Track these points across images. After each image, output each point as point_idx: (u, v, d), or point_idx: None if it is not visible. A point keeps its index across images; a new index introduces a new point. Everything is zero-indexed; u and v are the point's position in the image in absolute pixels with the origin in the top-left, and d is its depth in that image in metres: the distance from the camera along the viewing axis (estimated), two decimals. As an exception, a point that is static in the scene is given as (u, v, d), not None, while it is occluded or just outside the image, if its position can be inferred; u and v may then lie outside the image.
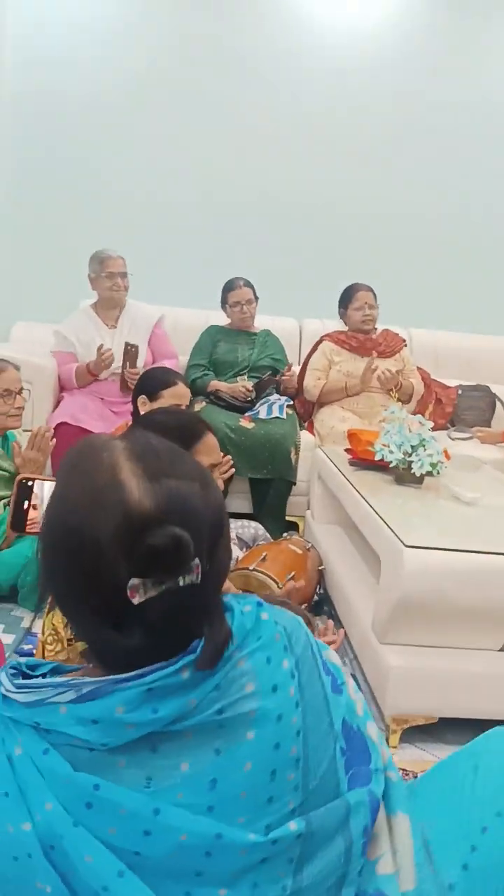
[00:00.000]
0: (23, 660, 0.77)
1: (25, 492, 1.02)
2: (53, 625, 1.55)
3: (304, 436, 3.47)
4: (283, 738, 0.71)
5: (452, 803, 0.85)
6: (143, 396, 2.30)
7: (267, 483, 3.26)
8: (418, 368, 3.78)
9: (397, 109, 4.24)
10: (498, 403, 3.93)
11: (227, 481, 2.30)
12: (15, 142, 3.93)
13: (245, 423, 3.30)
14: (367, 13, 4.13)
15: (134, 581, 0.65)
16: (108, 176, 4.12)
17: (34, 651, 1.98)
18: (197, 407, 3.42)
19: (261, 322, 3.79)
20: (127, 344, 3.30)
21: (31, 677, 0.74)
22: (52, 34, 3.95)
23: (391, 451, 2.40)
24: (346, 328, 3.76)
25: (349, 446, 2.78)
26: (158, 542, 0.65)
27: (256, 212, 4.21)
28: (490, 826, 0.79)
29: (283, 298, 4.00)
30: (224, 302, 3.69)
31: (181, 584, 0.66)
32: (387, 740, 1.85)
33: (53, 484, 0.93)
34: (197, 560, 0.67)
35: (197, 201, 4.19)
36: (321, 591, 2.62)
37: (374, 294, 3.69)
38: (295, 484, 3.31)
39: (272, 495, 3.27)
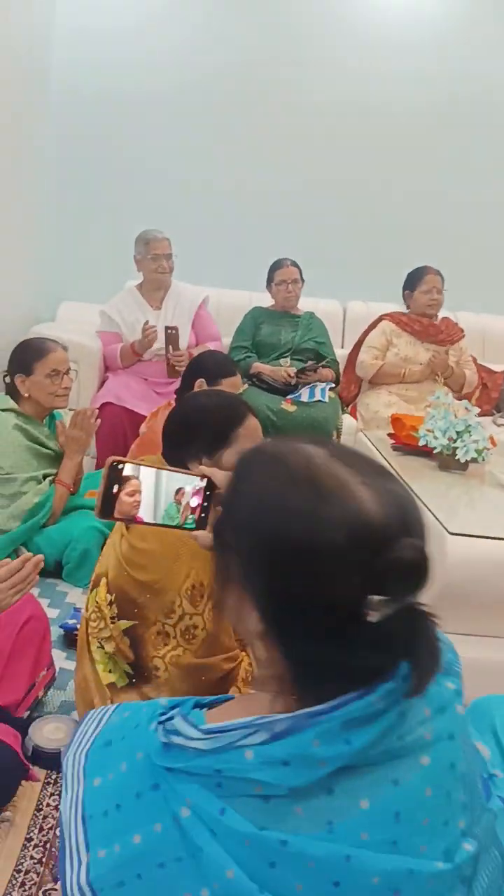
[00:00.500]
0: (163, 702, 0.71)
1: (115, 475, 0.92)
2: (97, 602, 1.58)
3: (346, 420, 3.45)
4: (455, 757, 0.68)
5: None
6: (202, 380, 2.29)
7: (308, 466, 3.25)
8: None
9: (453, 90, 4.13)
10: (546, 389, 3.84)
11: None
12: (63, 126, 3.95)
13: (287, 406, 3.30)
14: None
15: (375, 598, 0.59)
16: (154, 157, 4.11)
17: (78, 626, 2.03)
18: (239, 389, 3.42)
19: (304, 305, 3.77)
20: (167, 328, 3.31)
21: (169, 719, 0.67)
22: (100, 16, 3.94)
23: (435, 437, 2.37)
24: (404, 310, 3.68)
25: (392, 431, 2.76)
26: (406, 556, 0.59)
27: (302, 193, 4.17)
28: None
29: (327, 280, 3.96)
30: (270, 280, 3.68)
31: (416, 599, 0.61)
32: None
33: (152, 470, 0.93)
34: None
35: (242, 183, 4.16)
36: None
37: (443, 279, 3.59)
38: (336, 468, 3.29)
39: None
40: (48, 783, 1.58)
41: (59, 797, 0.78)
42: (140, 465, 0.94)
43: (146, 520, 0.95)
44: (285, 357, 3.59)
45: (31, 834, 1.45)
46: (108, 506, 0.93)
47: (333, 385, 3.59)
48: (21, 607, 1.70)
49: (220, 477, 0.95)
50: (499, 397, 3.81)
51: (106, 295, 3.67)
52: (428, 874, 0.61)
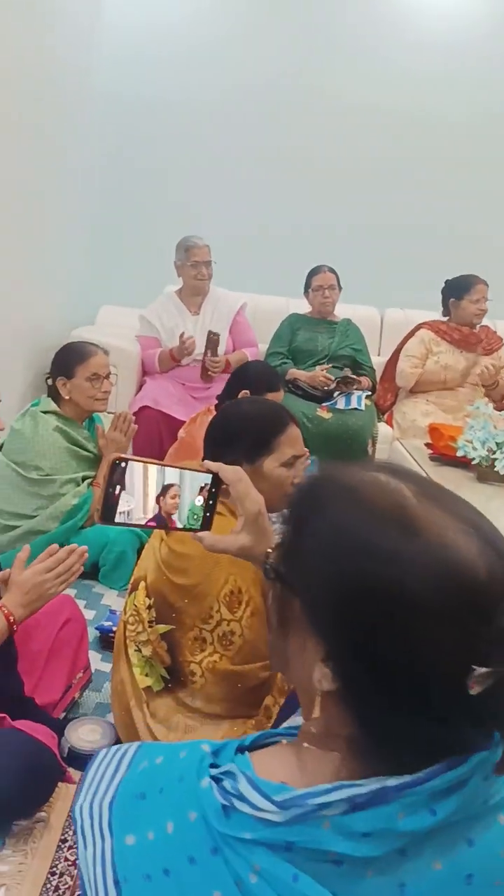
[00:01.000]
0: (205, 748, 0.64)
1: (118, 475, 0.83)
2: (135, 606, 1.59)
3: (382, 428, 3.43)
4: None
5: None
6: (247, 392, 2.29)
7: (343, 474, 3.23)
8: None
9: (497, 94, 4.09)
10: None
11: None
12: (104, 131, 3.99)
13: (323, 413, 3.29)
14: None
15: (480, 671, 0.52)
16: (194, 162, 4.13)
17: (114, 629, 2.05)
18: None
19: (342, 311, 3.76)
20: (210, 332, 3.34)
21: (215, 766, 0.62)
22: (144, 25, 3.99)
23: (474, 448, 2.34)
24: (442, 318, 3.65)
25: (429, 440, 2.73)
26: None
27: (342, 199, 4.15)
28: None
29: (365, 287, 3.94)
30: (307, 286, 3.67)
31: None
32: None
33: (155, 468, 0.85)
34: None
35: (281, 190, 4.16)
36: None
37: (488, 287, 3.53)
38: (371, 476, 3.27)
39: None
40: (83, 785, 1.58)
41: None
42: (145, 462, 0.85)
43: (156, 523, 0.88)
44: (322, 363, 3.58)
45: (66, 835, 1.46)
46: (109, 509, 0.84)
47: (370, 393, 3.57)
48: (60, 609, 1.72)
49: (229, 473, 0.92)
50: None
51: (145, 299, 3.69)
52: None
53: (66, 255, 3.58)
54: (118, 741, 1.64)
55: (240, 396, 2.27)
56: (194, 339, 3.31)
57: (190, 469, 0.89)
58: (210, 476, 0.90)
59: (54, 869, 1.38)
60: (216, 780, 0.59)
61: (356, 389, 3.45)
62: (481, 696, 0.52)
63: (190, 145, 4.13)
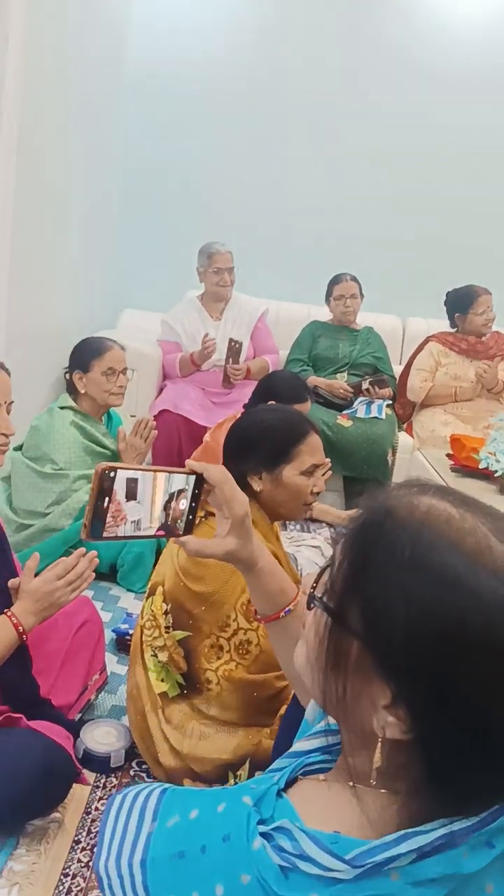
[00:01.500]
0: (247, 800, 0.60)
1: (107, 486, 0.77)
2: (153, 611, 1.60)
3: (403, 437, 3.42)
4: None
5: None
6: (273, 403, 2.28)
7: (361, 483, 3.23)
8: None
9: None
10: None
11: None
12: (131, 134, 4.02)
13: (343, 421, 3.28)
14: None
15: None
16: (218, 168, 4.15)
17: (130, 632, 2.05)
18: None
19: (364, 319, 3.75)
20: (231, 340, 3.35)
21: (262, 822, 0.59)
22: (174, 19, 4.01)
23: (497, 460, 2.33)
24: (451, 329, 3.65)
25: (450, 451, 2.72)
26: None
27: (365, 207, 4.15)
28: None
29: (387, 296, 3.94)
30: (329, 295, 3.67)
31: None
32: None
33: (145, 474, 0.79)
34: None
35: (305, 195, 4.17)
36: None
37: (491, 296, 3.55)
38: (390, 486, 3.26)
39: (365, 496, 3.22)
40: (97, 787, 1.59)
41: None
42: (134, 469, 0.79)
43: (141, 532, 0.82)
44: (342, 371, 3.58)
45: (80, 836, 1.47)
46: (96, 524, 0.77)
47: (391, 402, 3.56)
48: (77, 610, 1.73)
49: (215, 474, 0.86)
50: None
51: (167, 304, 3.72)
52: None
53: (90, 259, 3.61)
54: (133, 745, 1.65)
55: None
56: (215, 341, 3.33)
57: (172, 472, 0.83)
58: (192, 478, 0.85)
59: (67, 870, 1.39)
60: (266, 836, 0.56)
61: (377, 397, 3.45)
62: None
63: (215, 151, 4.15)
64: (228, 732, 1.51)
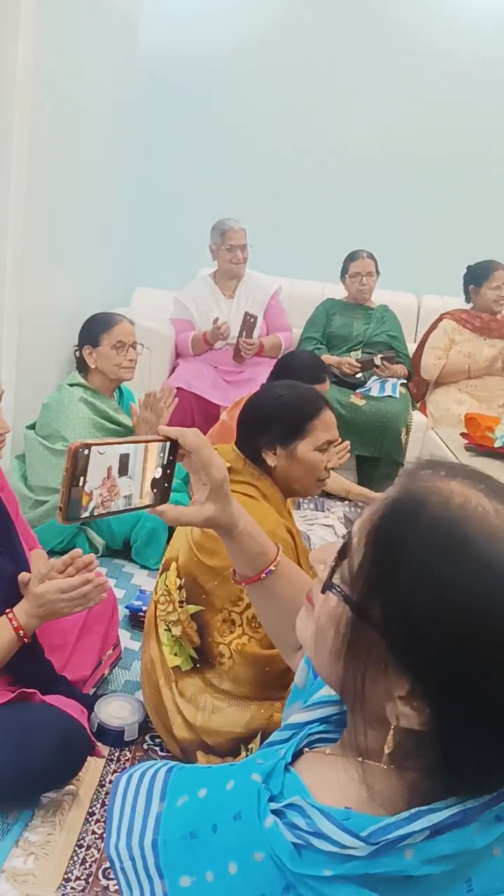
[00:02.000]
0: (256, 778, 0.60)
1: (82, 465, 0.72)
2: (166, 586, 1.60)
3: (416, 416, 3.39)
4: None
5: None
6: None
7: (375, 462, 3.21)
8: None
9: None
10: None
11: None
12: (143, 113, 3.98)
13: (356, 400, 3.26)
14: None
15: None
16: (231, 144, 4.10)
17: (143, 608, 2.06)
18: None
19: (379, 297, 3.71)
20: (247, 314, 3.32)
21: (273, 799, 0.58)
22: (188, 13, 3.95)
23: (512, 439, 2.30)
24: (468, 306, 3.60)
25: (465, 430, 2.69)
26: None
27: (378, 185, 4.09)
28: None
29: (402, 273, 3.89)
30: (344, 272, 3.63)
31: None
32: None
33: (123, 447, 0.75)
34: None
35: (318, 173, 4.11)
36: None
37: None
38: (403, 465, 3.24)
39: (379, 475, 3.22)
40: (111, 760, 1.61)
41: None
42: (107, 444, 0.75)
43: (118, 508, 0.77)
44: (356, 350, 3.55)
45: (94, 808, 1.48)
46: (74, 505, 0.72)
47: (405, 381, 3.53)
48: (92, 586, 1.74)
49: (192, 439, 0.82)
50: None
51: (179, 282, 3.69)
52: None
53: (102, 238, 3.59)
54: (146, 719, 1.66)
55: None
56: (228, 325, 3.31)
57: (147, 441, 0.79)
58: (167, 445, 0.81)
59: (81, 842, 1.40)
60: (278, 813, 0.56)
61: (390, 375, 3.42)
62: None
63: (226, 128, 4.10)
64: (241, 706, 1.51)
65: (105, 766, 1.58)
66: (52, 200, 2.76)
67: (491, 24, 3.94)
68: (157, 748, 1.65)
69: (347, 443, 2.02)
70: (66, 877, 1.33)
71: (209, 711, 1.51)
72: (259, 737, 1.48)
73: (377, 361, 3.41)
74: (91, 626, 1.71)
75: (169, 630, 1.58)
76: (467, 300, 3.59)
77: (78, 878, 1.33)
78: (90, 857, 1.37)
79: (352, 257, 3.60)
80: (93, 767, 1.56)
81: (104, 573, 2.25)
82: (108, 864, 1.36)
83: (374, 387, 3.40)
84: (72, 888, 1.31)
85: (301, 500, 2.92)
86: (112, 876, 1.34)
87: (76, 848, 1.39)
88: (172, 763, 0.67)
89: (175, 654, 1.57)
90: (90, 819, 1.45)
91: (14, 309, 2.50)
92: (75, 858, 1.37)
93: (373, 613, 0.55)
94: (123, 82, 3.66)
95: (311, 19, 3.96)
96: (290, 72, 4.02)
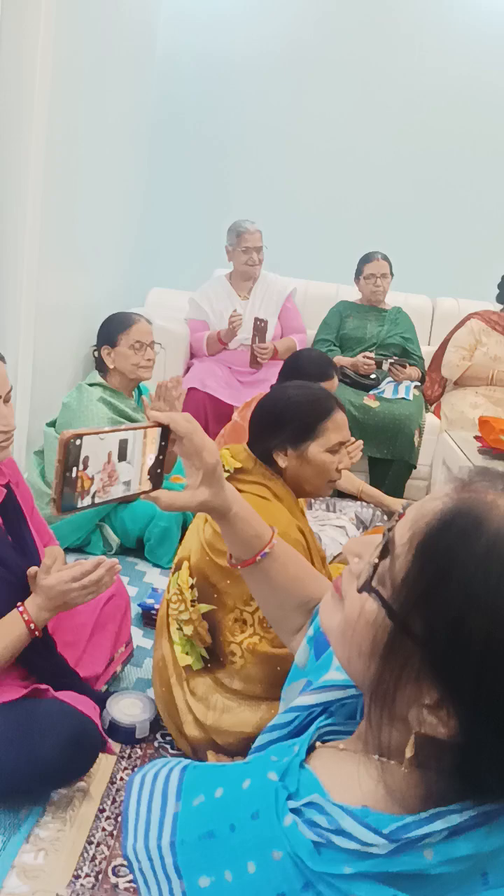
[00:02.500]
0: (272, 776, 0.60)
1: (74, 455, 0.72)
2: (178, 585, 1.61)
3: (430, 418, 3.38)
4: None
5: None
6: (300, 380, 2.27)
7: (387, 463, 3.20)
8: None
9: None
10: None
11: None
12: (160, 113, 4.00)
13: (369, 402, 3.25)
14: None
15: None
16: (247, 146, 4.12)
17: (155, 606, 2.07)
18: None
19: (393, 299, 3.70)
20: (256, 319, 3.33)
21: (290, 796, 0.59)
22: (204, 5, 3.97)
23: (526, 442, 2.29)
24: (498, 307, 3.56)
25: (478, 433, 2.68)
26: None
27: (392, 186, 4.09)
28: None
29: (417, 275, 3.88)
30: (359, 273, 3.62)
31: None
32: None
33: (116, 436, 0.76)
34: None
35: (333, 174, 4.11)
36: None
37: None
38: (416, 467, 3.23)
39: (391, 477, 3.21)
40: (122, 757, 1.62)
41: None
42: (98, 433, 0.74)
43: (116, 495, 0.78)
44: (370, 351, 3.54)
45: (104, 805, 1.49)
46: (69, 495, 0.72)
47: (418, 383, 3.51)
48: (105, 583, 1.75)
49: (183, 424, 0.82)
50: None
51: (194, 282, 3.70)
52: None
53: (118, 237, 3.61)
54: (157, 717, 1.67)
55: None
56: (241, 316, 3.31)
57: (139, 428, 0.80)
58: (158, 430, 0.81)
59: (91, 838, 1.41)
60: (296, 811, 0.56)
61: (404, 378, 3.41)
62: None
63: (243, 128, 4.11)
64: (251, 706, 1.52)
65: (116, 763, 1.59)
66: (68, 200, 2.78)
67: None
68: (168, 746, 1.66)
69: (360, 442, 2.02)
70: (75, 873, 1.34)
71: (220, 711, 1.52)
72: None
73: (385, 367, 3.39)
74: (104, 624, 1.72)
75: (180, 629, 1.59)
76: (500, 300, 3.55)
77: (88, 875, 1.34)
78: (100, 854, 1.38)
79: (367, 258, 3.59)
80: (104, 764, 1.57)
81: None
82: (117, 861, 1.37)
83: (387, 388, 3.39)
84: (81, 885, 1.32)
85: (312, 500, 2.92)
86: (122, 873, 1.35)
87: (86, 844, 1.40)
88: (186, 762, 0.67)
89: (186, 654, 1.58)
90: (100, 816, 1.46)
91: (31, 307, 2.52)
92: (85, 855, 1.38)
93: (415, 626, 0.54)
94: (140, 82, 3.67)
95: (330, 23, 3.97)
96: (306, 74, 4.03)
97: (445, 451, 2.90)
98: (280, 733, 0.78)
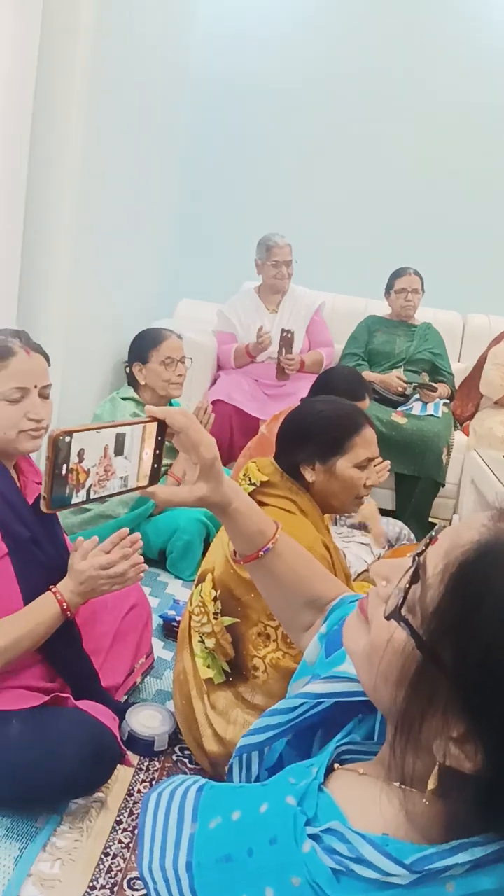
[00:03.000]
0: (291, 801, 0.59)
1: (64, 453, 0.71)
2: (202, 597, 1.60)
3: (458, 436, 3.34)
4: None
5: None
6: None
7: (414, 481, 3.17)
8: None
9: None
10: None
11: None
12: (192, 124, 4.03)
13: (397, 418, 3.23)
14: None
15: None
16: (276, 160, 4.13)
17: (177, 618, 2.07)
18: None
19: (422, 315, 3.68)
20: (283, 330, 3.33)
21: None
22: (239, 20, 4.01)
23: None
24: None
25: (508, 452, 2.65)
26: None
27: (423, 201, 4.07)
28: None
29: (448, 291, 3.85)
30: (389, 288, 3.60)
31: None
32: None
33: (109, 432, 0.75)
34: None
35: (363, 190, 4.11)
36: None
37: None
38: (444, 486, 3.20)
39: (418, 494, 3.18)
40: (140, 769, 1.61)
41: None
42: (89, 430, 0.74)
43: (112, 490, 0.77)
44: (398, 367, 3.52)
45: (122, 817, 1.48)
46: (60, 492, 0.72)
47: (447, 401, 3.48)
48: (128, 593, 1.75)
49: (180, 419, 0.82)
50: None
51: (223, 295, 3.72)
52: None
53: (148, 249, 3.64)
54: (176, 730, 1.65)
55: None
56: (269, 335, 3.32)
57: (133, 423, 0.79)
58: (154, 426, 0.81)
59: (108, 849, 1.40)
60: (315, 837, 0.55)
61: (434, 399, 3.38)
62: None
63: (275, 142, 4.13)
64: (273, 723, 1.50)
65: (134, 776, 1.58)
66: (101, 213, 2.82)
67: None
68: (186, 760, 1.64)
69: (387, 462, 2.00)
70: (91, 884, 1.33)
71: (240, 726, 1.50)
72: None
73: (409, 392, 3.35)
74: (125, 634, 1.72)
75: (202, 642, 1.58)
76: None
77: (104, 887, 1.33)
78: (116, 866, 1.37)
79: (398, 273, 3.57)
80: (122, 776, 1.56)
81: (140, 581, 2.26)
82: (133, 874, 1.36)
83: (415, 405, 3.36)
84: (97, 896, 1.31)
85: (338, 516, 2.89)
86: (137, 886, 1.34)
87: (102, 856, 1.39)
88: (202, 780, 0.66)
89: (208, 667, 1.57)
90: (117, 827, 1.46)
91: (62, 318, 2.55)
92: (101, 866, 1.37)
93: (444, 656, 0.53)
94: (174, 99, 3.71)
95: (362, 45, 3.97)
96: (338, 94, 4.03)
97: (474, 469, 2.86)
98: (282, 718, 0.77)
